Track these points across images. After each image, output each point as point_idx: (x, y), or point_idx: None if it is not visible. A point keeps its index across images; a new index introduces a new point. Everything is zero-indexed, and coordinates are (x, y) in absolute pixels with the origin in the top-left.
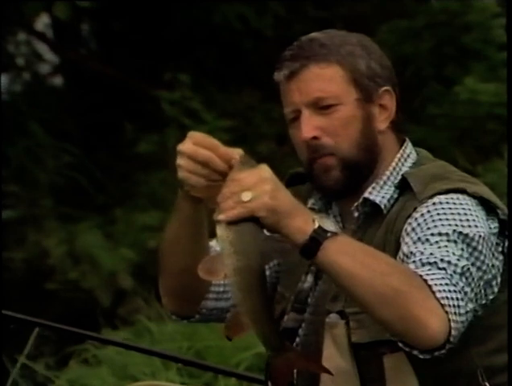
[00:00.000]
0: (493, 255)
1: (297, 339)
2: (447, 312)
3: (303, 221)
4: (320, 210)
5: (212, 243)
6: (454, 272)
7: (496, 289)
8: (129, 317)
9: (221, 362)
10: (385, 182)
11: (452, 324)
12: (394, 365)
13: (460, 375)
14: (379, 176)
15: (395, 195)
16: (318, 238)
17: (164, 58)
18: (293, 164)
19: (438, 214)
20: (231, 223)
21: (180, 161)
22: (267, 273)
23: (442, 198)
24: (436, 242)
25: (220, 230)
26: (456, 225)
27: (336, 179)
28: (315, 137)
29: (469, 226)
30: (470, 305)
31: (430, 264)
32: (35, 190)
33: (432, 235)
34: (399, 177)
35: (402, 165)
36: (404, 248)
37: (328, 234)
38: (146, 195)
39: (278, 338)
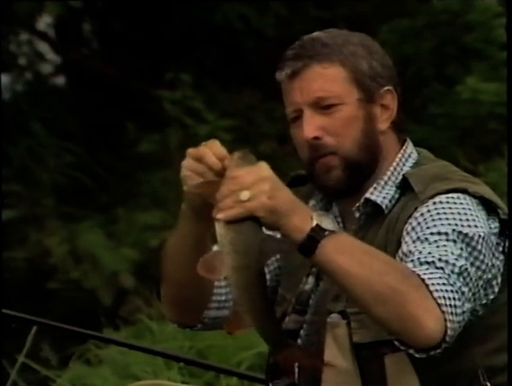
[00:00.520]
0: (494, 255)
1: (298, 341)
2: (443, 312)
3: (302, 219)
4: (320, 210)
5: (215, 248)
6: (452, 271)
7: (496, 289)
8: (130, 316)
9: (223, 361)
10: (386, 183)
11: (449, 324)
12: (396, 365)
13: (461, 375)
14: (380, 176)
15: (396, 195)
16: (316, 236)
17: (166, 58)
18: (294, 163)
19: (438, 213)
20: (230, 222)
21: (184, 161)
22: (268, 276)
23: (442, 197)
24: (435, 241)
25: (219, 228)
26: (456, 225)
27: (337, 179)
28: (316, 137)
29: (469, 225)
30: (467, 305)
31: (428, 263)
32: (36, 190)
33: (431, 234)
34: (400, 177)
35: (403, 165)
36: (404, 247)
37: (326, 232)
38: (147, 195)
39: (279, 335)
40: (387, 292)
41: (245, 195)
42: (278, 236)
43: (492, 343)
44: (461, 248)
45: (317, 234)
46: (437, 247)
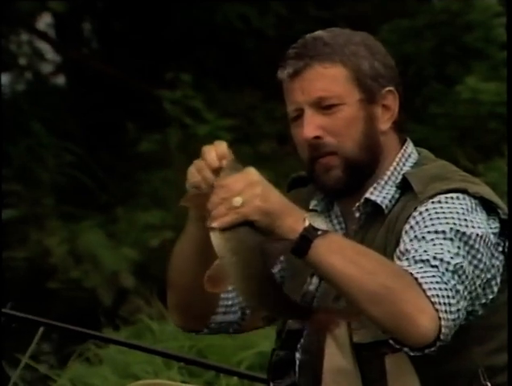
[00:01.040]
0: (493, 255)
1: (301, 341)
2: (437, 310)
3: (294, 220)
4: (321, 211)
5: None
6: (446, 269)
7: (495, 289)
8: (130, 316)
9: (223, 361)
10: (386, 183)
11: (443, 322)
12: (396, 365)
13: (461, 375)
14: (380, 176)
15: (396, 195)
16: (308, 236)
17: (166, 57)
18: (294, 163)
19: (436, 213)
20: (225, 229)
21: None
22: (277, 275)
23: (442, 197)
24: (432, 239)
25: (215, 238)
26: (454, 224)
27: (337, 179)
28: (317, 137)
29: (467, 225)
30: (462, 303)
31: (422, 261)
32: (37, 190)
33: (429, 232)
34: (400, 177)
35: (404, 165)
36: (401, 246)
37: (319, 232)
38: (147, 194)
39: (304, 308)
40: (380, 291)
41: (237, 200)
42: None
43: (492, 343)
44: (458, 247)
45: (310, 234)
46: (433, 245)
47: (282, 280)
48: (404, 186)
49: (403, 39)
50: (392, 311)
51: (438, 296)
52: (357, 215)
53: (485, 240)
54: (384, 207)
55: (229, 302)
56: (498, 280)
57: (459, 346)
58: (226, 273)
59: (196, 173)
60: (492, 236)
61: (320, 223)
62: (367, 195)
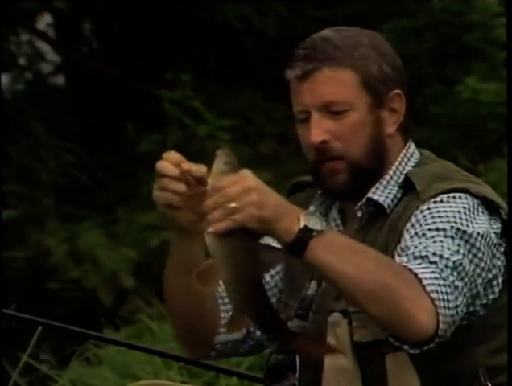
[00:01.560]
0: (494, 255)
1: None
2: (436, 306)
3: (290, 222)
4: (320, 214)
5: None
6: (445, 266)
7: (496, 290)
8: (130, 316)
9: (222, 361)
10: (388, 182)
11: (441, 318)
12: (396, 364)
13: (462, 375)
14: (383, 176)
15: (399, 195)
16: (303, 237)
17: (166, 57)
18: (294, 163)
19: (438, 211)
20: (220, 235)
21: (155, 183)
22: (272, 283)
23: (444, 196)
24: (432, 237)
25: (209, 240)
26: (455, 222)
27: (343, 183)
28: (324, 141)
29: (468, 225)
30: (461, 300)
31: (421, 257)
32: (36, 190)
33: (429, 230)
34: (402, 176)
35: (406, 164)
36: (401, 243)
37: (314, 233)
38: (147, 195)
39: (285, 330)
40: (378, 289)
41: (233, 207)
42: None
43: (493, 343)
44: (459, 245)
45: (305, 235)
46: (434, 242)
47: (282, 286)
48: (406, 185)
49: (403, 38)
50: (391, 308)
51: (437, 292)
52: (359, 214)
53: (486, 240)
54: (386, 206)
55: None
56: (500, 280)
57: (460, 347)
58: (217, 272)
59: (161, 193)
60: (493, 236)
61: (315, 223)
62: (369, 194)
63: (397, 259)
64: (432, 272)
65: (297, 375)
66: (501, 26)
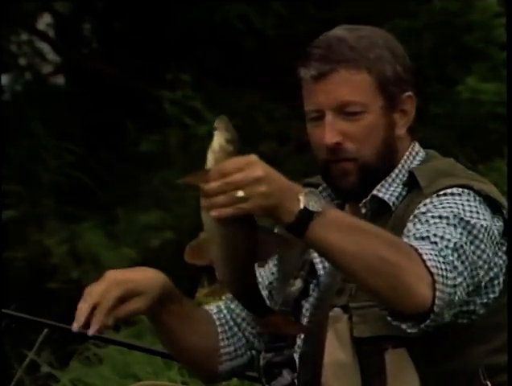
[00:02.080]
0: (497, 253)
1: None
2: (434, 281)
3: (290, 203)
4: None
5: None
6: (446, 246)
7: (497, 289)
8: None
9: None
10: (393, 180)
11: (438, 293)
12: (396, 361)
13: (461, 374)
14: (388, 174)
15: (404, 193)
16: (303, 219)
17: (166, 57)
18: (294, 164)
19: (441, 203)
20: (223, 219)
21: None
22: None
23: (447, 191)
24: (435, 223)
25: (207, 218)
26: (459, 212)
27: (352, 184)
28: (338, 143)
29: (471, 216)
30: (460, 281)
31: (422, 238)
32: (37, 190)
33: (432, 217)
34: (407, 174)
35: (411, 162)
36: (404, 231)
37: (314, 214)
38: (148, 195)
39: (262, 304)
40: (379, 263)
41: (240, 195)
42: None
43: (493, 343)
44: (461, 233)
45: (305, 216)
46: (436, 227)
47: (273, 285)
48: (411, 182)
49: (403, 39)
50: (392, 281)
51: (436, 267)
52: (364, 211)
53: (489, 233)
54: (391, 204)
55: (232, 348)
56: (501, 280)
57: (459, 345)
58: (208, 249)
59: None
60: (496, 233)
61: (314, 202)
62: (374, 191)
63: None
64: (432, 249)
65: (296, 371)
66: (502, 26)
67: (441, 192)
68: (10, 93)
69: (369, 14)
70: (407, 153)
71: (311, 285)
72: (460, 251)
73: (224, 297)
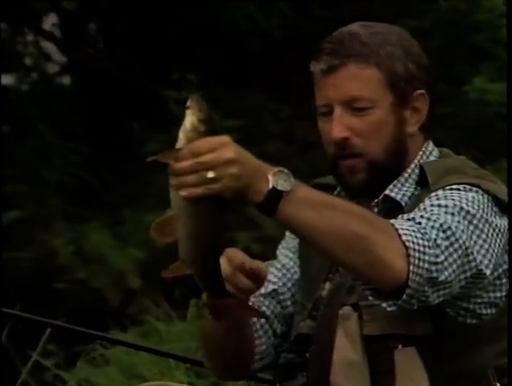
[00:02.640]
0: (503, 254)
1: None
2: (409, 255)
3: (260, 183)
4: None
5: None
6: (431, 227)
7: (504, 288)
8: (137, 317)
9: None
10: (406, 180)
11: (412, 267)
12: (405, 359)
13: (470, 374)
14: (401, 173)
15: (416, 192)
16: (273, 198)
17: (171, 58)
18: (300, 163)
19: (445, 195)
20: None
21: None
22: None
23: (453, 186)
24: (431, 210)
25: (175, 197)
26: (460, 202)
27: (361, 181)
28: (345, 138)
29: (473, 207)
30: (445, 258)
31: (409, 219)
32: (42, 190)
33: (432, 206)
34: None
35: (425, 162)
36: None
37: (284, 193)
38: (154, 195)
39: (220, 285)
40: (351, 238)
41: (210, 175)
42: None
43: (501, 344)
44: (458, 221)
45: (274, 195)
46: (431, 214)
47: (298, 288)
48: (422, 180)
49: None
50: (365, 256)
51: (413, 242)
52: (376, 210)
53: (494, 229)
54: (403, 204)
55: (263, 347)
56: (504, 281)
57: (468, 345)
58: (175, 227)
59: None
60: (503, 229)
61: (283, 181)
62: (387, 191)
63: None
64: (411, 226)
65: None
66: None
67: (447, 187)
68: (16, 93)
69: (375, 14)
70: (421, 152)
71: (336, 275)
72: (449, 232)
73: (256, 294)
